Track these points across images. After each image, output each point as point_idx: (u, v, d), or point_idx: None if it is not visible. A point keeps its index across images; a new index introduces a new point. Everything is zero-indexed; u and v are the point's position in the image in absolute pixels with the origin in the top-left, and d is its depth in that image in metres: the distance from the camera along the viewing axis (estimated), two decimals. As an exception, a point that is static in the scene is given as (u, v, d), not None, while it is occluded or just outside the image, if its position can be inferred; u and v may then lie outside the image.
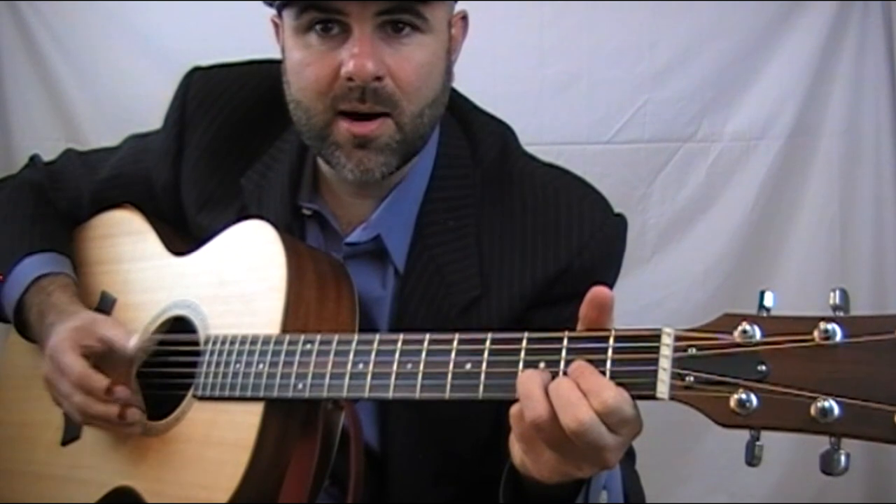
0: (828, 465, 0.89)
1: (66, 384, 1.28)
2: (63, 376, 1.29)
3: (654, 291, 2.39)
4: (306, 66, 1.23)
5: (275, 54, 1.38)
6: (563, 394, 0.95)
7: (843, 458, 0.88)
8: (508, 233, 1.30)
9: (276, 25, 1.31)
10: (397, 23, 1.20)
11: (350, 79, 1.19)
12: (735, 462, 2.37)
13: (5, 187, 1.57)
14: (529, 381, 0.97)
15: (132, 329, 1.34)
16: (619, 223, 1.32)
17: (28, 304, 1.41)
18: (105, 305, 1.43)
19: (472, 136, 1.36)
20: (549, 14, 2.35)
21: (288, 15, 1.24)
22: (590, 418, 0.93)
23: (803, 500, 2.39)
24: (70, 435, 1.40)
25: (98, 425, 1.31)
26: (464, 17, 1.33)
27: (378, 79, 1.19)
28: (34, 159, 1.62)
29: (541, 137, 2.18)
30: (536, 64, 2.36)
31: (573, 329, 1.00)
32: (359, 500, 1.20)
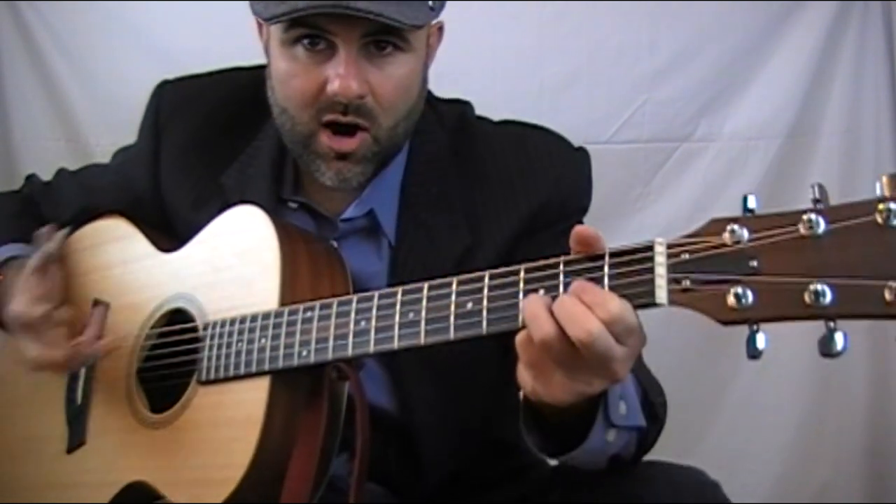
0: (826, 347, 0.90)
1: (22, 334, 1.31)
2: (19, 327, 1.31)
3: (653, 291, 2.39)
4: (292, 76, 1.29)
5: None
6: (567, 308, 0.97)
7: (839, 339, 0.90)
8: (486, 185, 1.36)
9: (259, 25, 1.36)
10: (380, 42, 1.26)
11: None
12: (735, 462, 2.39)
13: None
14: (533, 304, 1.00)
15: (128, 330, 1.36)
16: (584, 154, 1.41)
17: None
18: (99, 314, 1.42)
19: (437, 113, 1.43)
20: (548, 14, 2.35)
21: (276, 26, 1.28)
22: (597, 328, 0.95)
23: (803, 500, 2.39)
24: (75, 441, 1.40)
25: (79, 361, 1.34)
26: (440, 28, 1.38)
27: (361, 97, 1.26)
28: (31, 178, 1.64)
29: (540, 137, 2.19)
30: (535, 64, 2.36)
31: (560, 249, 1.04)
32: (367, 466, 1.21)
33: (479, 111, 1.47)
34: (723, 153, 2.40)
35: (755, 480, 2.41)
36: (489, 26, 2.28)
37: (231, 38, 2.25)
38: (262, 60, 1.39)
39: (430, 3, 1.28)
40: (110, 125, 2.39)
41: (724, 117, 2.40)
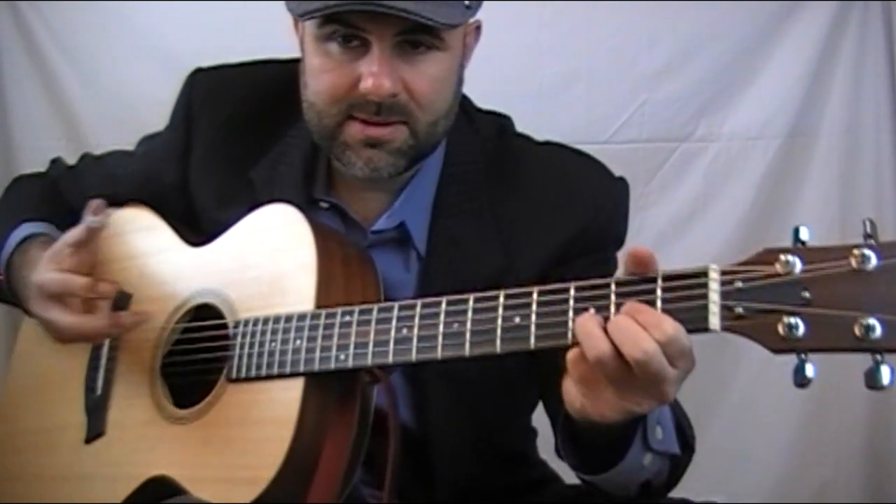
0: (873, 380, 0.93)
1: (50, 305, 1.28)
2: (47, 297, 1.28)
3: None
4: (324, 72, 1.26)
5: (276, 55, 1.39)
6: (623, 327, 0.97)
7: (886, 373, 0.92)
8: (522, 206, 1.35)
9: (295, 20, 1.33)
10: (415, 40, 1.24)
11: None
12: (734, 461, 2.39)
13: (21, 178, 1.61)
14: (587, 322, 1.00)
15: (154, 323, 1.35)
16: (624, 184, 1.40)
17: (14, 266, 1.41)
18: (121, 302, 1.41)
19: (475, 126, 1.40)
20: (548, 14, 2.35)
21: (310, 22, 1.26)
22: (653, 348, 0.96)
23: (803, 500, 2.39)
24: (94, 432, 1.39)
25: (98, 334, 1.32)
26: (478, 27, 1.36)
27: (394, 95, 1.23)
28: (56, 161, 1.63)
29: (539, 137, 2.18)
30: (535, 64, 2.36)
31: (593, 277, 1.04)
32: (397, 471, 1.20)
33: (478, 111, 1.45)
34: (722, 153, 2.40)
35: (755, 480, 2.41)
36: (489, 26, 2.28)
37: (231, 38, 2.27)
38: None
39: (467, 2, 1.25)
40: (111, 125, 2.40)
41: (724, 117, 2.40)
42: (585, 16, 2.37)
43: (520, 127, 1.46)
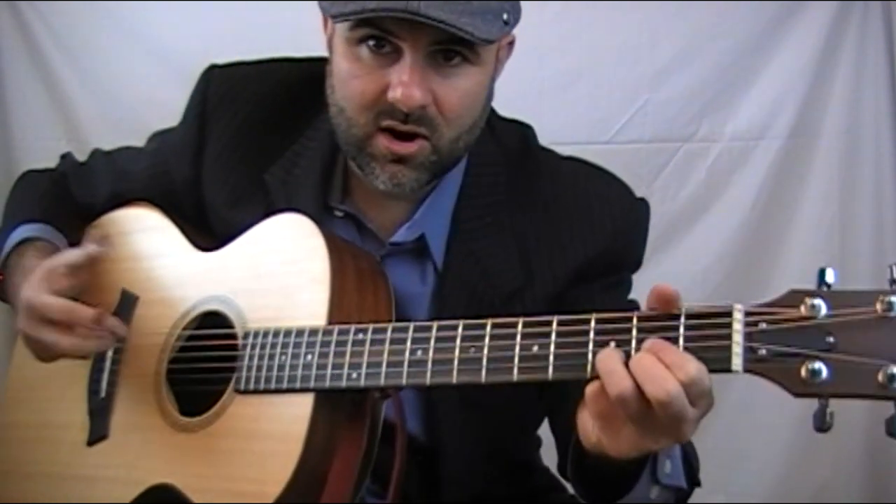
0: (893, 427, 0.93)
1: (46, 327, 1.26)
2: (43, 320, 1.26)
3: (653, 291, 2.38)
4: (354, 77, 1.23)
5: (279, 53, 1.38)
6: (646, 366, 0.96)
7: None
8: (542, 223, 1.33)
9: (325, 19, 1.30)
10: (449, 52, 1.21)
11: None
12: (734, 462, 2.39)
13: (30, 173, 1.59)
14: (609, 359, 0.99)
15: (157, 327, 1.33)
16: (645, 206, 1.39)
17: (10, 270, 1.40)
18: (127, 303, 1.40)
19: (496, 136, 1.38)
20: (549, 14, 2.34)
21: (342, 24, 1.23)
22: (676, 389, 0.95)
23: (802, 500, 2.39)
24: (97, 434, 1.37)
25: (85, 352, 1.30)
26: (511, 42, 1.34)
27: (423, 107, 1.21)
28: (66, 157, 1.62)
29: (540, 137, 2.15)
30: (536, 64, 2.36)
31: (605, 298, 1.07)
32: (401, 488, 1.19)
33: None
34: (724, 153, 2.40)
35: (755, 480, 2.41)
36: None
37: (231, 39, 2.27)
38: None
39: (505, 16, 1.22)
40: (111, 124, 2.40)
41: (726, 117, 2.40)
42: (587, 16, 2.38)
43: (522, 128, 1.44)
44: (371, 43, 1.21)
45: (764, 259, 2.39)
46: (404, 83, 1.19)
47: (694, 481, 1.19)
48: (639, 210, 1.38)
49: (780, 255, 2.39)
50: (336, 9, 1.20)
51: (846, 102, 2.37)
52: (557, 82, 2.38)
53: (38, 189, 1.52)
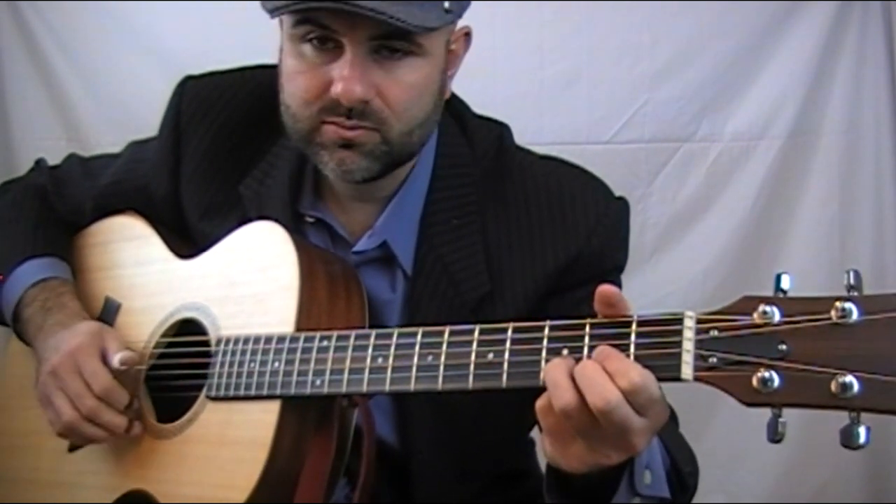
0: (848, 439, 0.92)
1: (80, 386, 1.28)
2: (80, 378, 1.28)
3: (653, 291, 2.38)
4: (298, 74, 1.23)
5: (276, 55, 1.38)
6: (588, 375, 0.95)
7: (862, 433, 0.91)
8: (514, 227, 1.30)
9: (281, 22, 1.29)
10: (392, 45, 1.20)
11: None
12: (733, 462, 2.39)
13: (10, 190, 1.57)
14: (555, 370, 0.98)
15: (137, 335, 1.35)
16: (622, 206, 1.34)
17: (28, 301, 1.40)
18: (110, 310, 1.42)
19: (469, 136, 1.36)
20: (549, 14, 2.35)
21: (286, 20, 1.23)
22: (616, 397, 0.94)
23: (802, 500, 2.39)
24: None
25: (82, 436, 1.30)
26: (467, 34, 1.32)
27: (365, 101, 1.19)
28: (39, 163, 1.62)
29: (541, 137, 2.18)
30: (536, 64, 2.36)
31: (590, 310, 1.02)
32: (368, 496, 1.19)
33: (478, 111, 1.42)
34: (724, 153, 2.40)
35: (755, 480, 2.41)
36: (489, 26, 2.28)
37: (231, 38, 2.27)
38: (264, 60, 1.38)
39: (446, 4, 1.20)
40: (111, 124, 2.40)
41: (726, 117, 2.40)
42: (587, 16, 2.37)
43: (521, 128, 1.42)
44: (314, 40, 1.21)
45: (764, 259, 2.39)
46: (345, 78, 1.18)
47: (685, 489, 1.17)
48: (615, 211, 1.32)
49: (780, 254, 2.39)
50: (273, 4, 1.20)
51: (846, 102, 2.37)
52: (557, 82, 2.38)
53: (29, 214, 1.51)
